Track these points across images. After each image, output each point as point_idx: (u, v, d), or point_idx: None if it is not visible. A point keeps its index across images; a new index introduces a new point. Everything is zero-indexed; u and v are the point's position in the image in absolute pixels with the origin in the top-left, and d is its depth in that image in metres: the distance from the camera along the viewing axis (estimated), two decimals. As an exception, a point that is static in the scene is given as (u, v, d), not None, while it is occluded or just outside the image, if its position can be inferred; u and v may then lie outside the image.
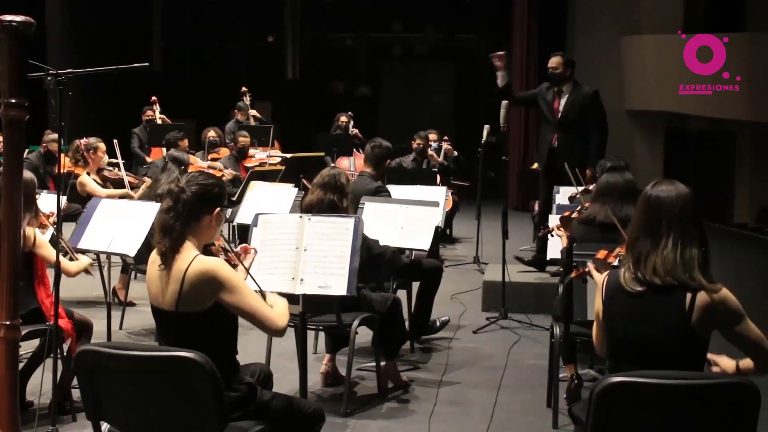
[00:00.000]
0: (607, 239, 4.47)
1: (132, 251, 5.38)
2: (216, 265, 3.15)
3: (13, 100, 2.88)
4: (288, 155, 10.60)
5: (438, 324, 6.25)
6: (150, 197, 6.49)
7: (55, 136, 8.35)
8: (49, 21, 13.27)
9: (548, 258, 6.44)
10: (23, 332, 3.55)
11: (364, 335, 5.48)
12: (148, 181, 7.78)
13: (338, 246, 4.36)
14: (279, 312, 3.27)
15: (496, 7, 16.05)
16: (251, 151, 10.52)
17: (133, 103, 12.44)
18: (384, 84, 18.60)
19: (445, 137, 11.13)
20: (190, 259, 3.13)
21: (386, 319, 5.04)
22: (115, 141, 8.30)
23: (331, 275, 4.30)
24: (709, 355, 3.03)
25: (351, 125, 12.05)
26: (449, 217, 10.06)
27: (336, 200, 4.95)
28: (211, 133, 10.59)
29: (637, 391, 2.63)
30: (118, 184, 8.14)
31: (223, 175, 9.17)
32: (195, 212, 3.20)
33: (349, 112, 12.35)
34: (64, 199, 5.52)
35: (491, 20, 17.23)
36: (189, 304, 3.13)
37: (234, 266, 3.36)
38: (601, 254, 3.58)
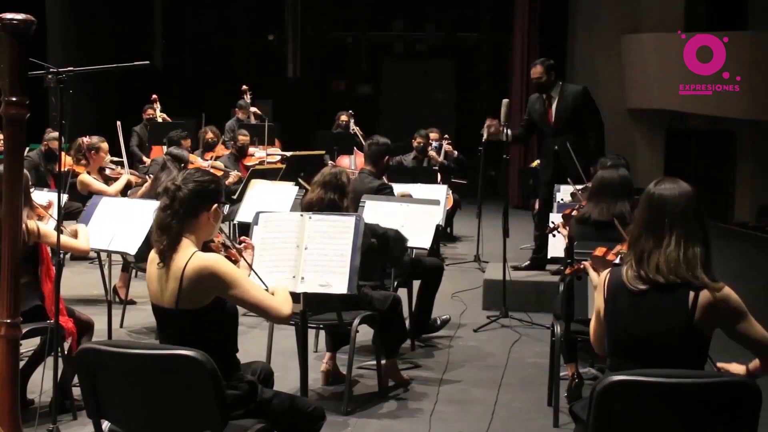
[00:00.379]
0: (602, 237, 4.47)
1: (133, 250, 5.38)
2: (214, 260, 3.16)
3: (14, 99, 2.87)
4: (288, 153, 10.59)
5: (439, 322, 6.25)
6: (151, 195, 6.49)
7: (56, 134, 8.35)
8: (49, 19, 13.26)
9: (549, 257, 6.43)
10: (24, 330, 3.55)
11: (364, 334, 5.48)
12: (149, 179, 7.77)
13: (339, 244, 4.36)
14: (281, 299, 3.29)
15: (497, 5, 16.05)
16: (251, 150, 10.51)
17: (134, 101, 12.43)
18: (385, 82, 18.59)
19: (446, 136, 11.13)
20: (189, 256, 3.14)
21: (387, 318, 5.05)
22: (118, 123, 8.27)
23: (331, 274, 4.30)
24: (719, 364, 3.03)
25: (352, 123, 12.05)
26: (450, 216, 10.06)
27: (336, 199, 4.94)
28: (209, 135, 10.59)
29: (638, 389, 2.63)
30: (120, 179, 8.15)
31: (226, 174, 9.17)
32: (192, 209, 3.21)
33: (350, 111, 12.34)
34: (65, 196, 5.52)
35: (492, 18, 17.22)
36: (189, 301, 3.13)
37: (235, 262, 3.36)
38: (600, 251, 3.58)
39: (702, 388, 2.64)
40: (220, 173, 9.12)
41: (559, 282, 5.44)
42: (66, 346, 4.50)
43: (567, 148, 7.13)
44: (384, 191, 6.12)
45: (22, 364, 4.12)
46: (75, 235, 4.73)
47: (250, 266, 3.41)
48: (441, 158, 10.56)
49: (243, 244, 3.59)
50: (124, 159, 8.21)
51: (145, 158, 10.92)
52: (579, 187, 6.54)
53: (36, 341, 4.67)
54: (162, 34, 17.01)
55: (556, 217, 5.92)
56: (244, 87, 12.40)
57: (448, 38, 18.28)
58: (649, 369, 2.71)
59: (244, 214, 7.05)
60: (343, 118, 12.13)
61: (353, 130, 11.87)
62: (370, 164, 6.24)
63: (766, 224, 12.03)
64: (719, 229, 11.45)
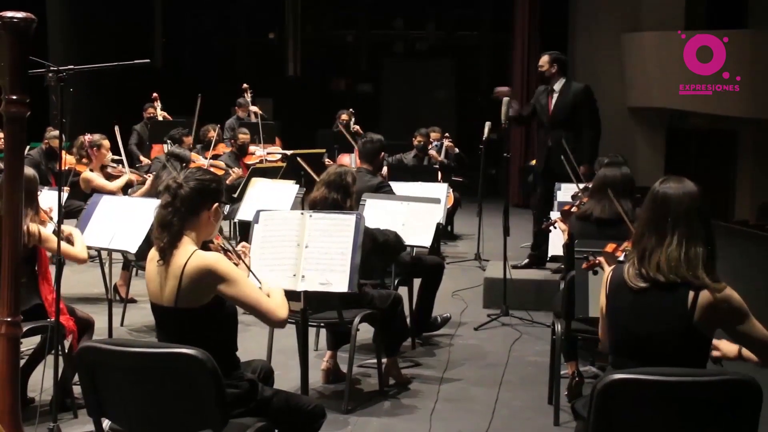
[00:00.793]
0: (604, 235, 4.48)
1: (133, 248, 5.37)
2: (215, 259, 3.16)
3: (14, 97, 2.88)
4: (288, 152, 10.59)
5: (439, 321, 6.25)
6: (152, 194, 6.49)
7: (57, 132, 8.36)
8: (50, 17, 13.27)
9: (549, 255, 6.43)
10: (24, 329, 3.55)
11: (365, 332, 5.48)
12: (150, 177, 7.77)
13: (339, 243, 4.35)
14: (278, 303, 3.29)
15: (498, 4, 16.05)
16: (251, 148, 10.51)
17: (134, 99, 12.43)
18: (385, 81, 18.60)
19: (446, 134, 11.12)
20: (189, 254, 3.14)
21: (387, 316, 5.05)
22: (116, 127, 8.28)
23: (332, 272, 4.30)
24: (714, 342, 3.02)
25: (352, 122, 12.04)
26: (450, 214, 10.05)
27: (339, 199, 4.95)
28: (212, 133, 10.59)
29: (639, 388, 2.63)
30: (122, 177, 8.15)
31: (226, 173, 9.17)
32: (193, 208, 3.21)
33: (351, 109, 12.34)
34: (65, 195, 5.52)
35: (493, 17, 17.23)
36: (188, 299, 3.13)
37: (235, 264, 3.36)
38: (610, 248, 3.59)
39: (702, 387, 2.63)
40: (221, 172, 9.13)
41: (560, 280, 5.44)
42: (66, 344, 4.50)
43: (559, 143, 7.14)
44: (383, 189, 6.13)
45: (22, 362, 4.12)
46: (69, 239, 4.71)
47: (249, 269, 3.41)
48: (441, 156, 10.56)
49: (241, 249, 3.58)
50: (123, 157, 8.20)
51: (142, 158, 10.89)
52: (580, 186, 6.55)
53: (36, 340, 4.67)
54: (162, 33, 17.02)
55: (555, 215, 5.92)
56: (245, 85, 12.40)
57: (449, 37, 18.30)
58: (649, 367, 2.71)
59: (244, 213, 7.05)
60: (344, 117, 12.12)
61: (337, 128, 11.80)
62: (367, 162, 6.26)
63: (767, 223, 12.03)
64: (720, 227, 11.43)
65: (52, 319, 4.18)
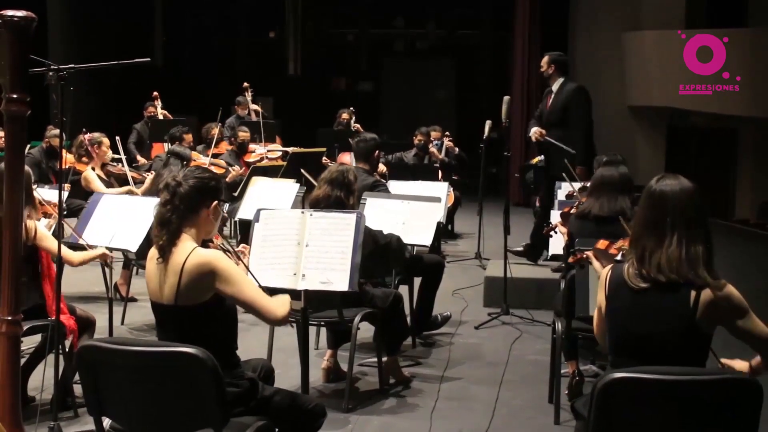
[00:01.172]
0: (603, 232, 4.48)
1: (134, 247, 5.38)
2: (214, 256, 3.16)
3: (15, 96, 2.88)
4: (289, 149, 10.58)
5: (439, 320, 6.25)
6: (153, 192, 6.49)
7: (57, 131, 8.35)
8: (50, 16, 13.27)
9: (550, 254, 6.44)
10: (25, 328, 3.55)
11: (365, 331, 5.48)
12: (151, 176, 7.76)
13: (340, 241, 4.35)
14: (278, 302, 3.29)
15: (498, 3, 16.05)
16: (252, 146, 10.51)
17: (134, 98, 12.43)
18: (385, 80, 18.60)
19: (447, 133, 11.12)
20: (188, 252, 3.14)
21: (388, 315, 5.04)
22: (117, 138, 8.29)
23: (332, 271, 4.30)
24: (723, 360, 3.03)
25: (353, 121, 12.05)
26: (451, 213, 10.06)
27: (342, 197, 4.95)
28: (215, 131, 10.58)
29: (639, 387, 2.63)
30: (123, 179, 8.13)
31: (226, 172, 9.17)
32: (192, 205, 3.22)
33: (351, 108, 12.34)
34: (65, 194, 5.52)
35: (493, 16, 17.23)
36: (188, 296, 3.13)
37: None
38: (602, 244, 3.59)
39: (703, 386, 2.63)
40: (221, 170, 9.13)
41: (560, 279, 5.44)
42: (67, 343, 4.50)
43: (552, 142, 7.19)
44: (378, 188, 6.13)
45: (23, 361, 4.12)
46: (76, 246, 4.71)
47: (248, 270, 3.41)
48: (442, 155, 10.56)
49: (240, 250, 3.58)
50: (122, 156, 8.20)
51: (140, 157, 10.86)
52: (577, 185, 6.56)
53: (37, 339, 4.67)
54: (163, 32, 17.02)
55: (556, 215, 5.93)
56: (245, 84, 12.41)
57: (449, 36, 18.31)
58: (649, 366, 2.70)
59: (245, 212, 7.05)
60: (345, 116, 12.13)
61: (338, 127, 11.81)
62: (363, 161, 6.25)
63: (767, 222, 12.03)
64: (720, 226, 11.44)
65: (53, 318, 4.18)
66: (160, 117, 11.53)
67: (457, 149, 10.94)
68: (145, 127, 11.45)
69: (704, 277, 2.83)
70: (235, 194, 8.16)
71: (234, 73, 15.99)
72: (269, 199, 6.96)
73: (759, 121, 12.13)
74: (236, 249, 3.55)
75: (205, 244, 3.29)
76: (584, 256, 3.71)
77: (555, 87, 7.63)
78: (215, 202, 3.28)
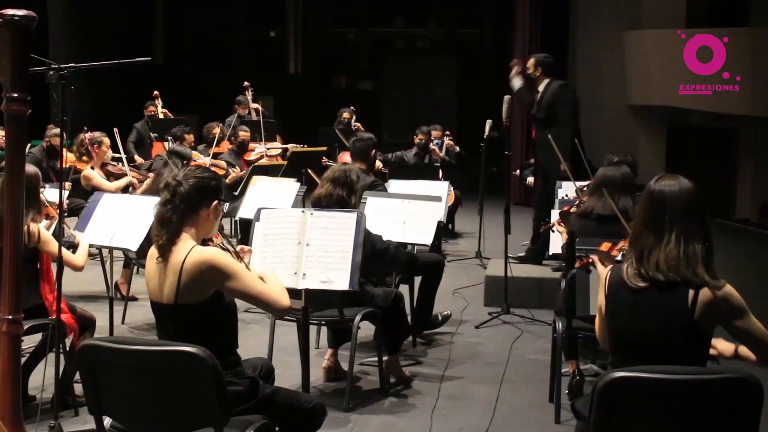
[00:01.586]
0: (604, 231, 4.48)
1: (134, 246, 5.38)
2: (214, 253, 3.16)
3: (15, 95, 2.88)
4: (289, 146, 10.57)
5: (440, 319, 6.26)
6: (153, 192, 6.48)
7: (58, 130, 8.35)
8: (51, 15, 13.26)
9: (550, 253, 6.44)
10: (26, 327, 3.55)
11: (366, 330, 5.48)
12: (151, 175, 7.76)
13: (340, 241, 4.35)
14: (279, 291, 3.31)
15: (499, 1, 16.04)
16: (252, 145, 10.50)
17: (135, 97, 12.42)
18: (386, 78, 18.60)
19: (447, 132, 11.12)
20: (188, 250, 3.15)
21: (388, 314, 5.04)
22: (115, 130, 8.28)
23: (333, 270, 4.30)
24: (713, 341, 3.02)
25: (353, 120, 12.04)
26: (451, 212, 10.06)
27: (344, 196, 4.95)
28: (217, 130, 10.58)
29: (640, 386, 2.63)
30: (122, 179, 8.13)
31: (227, 173, 9.16)
32: (192, 205, 3.22)
33: (352, 107, 12.33)
34: (66, 193, 5.51)
35: (494, 14, 17.22)
36: (188, 295, 3.13)
37: None
38: (605, 246, 3.58)
39: (703, 385, 2.63)
40: (221, 171, 9.13)
41: (561, 278, 5.44)
42: (68, 342, 4.50)
43: (542, 142, 7.36)
44: (376, 187, 6.14)
45: (23, 360, 4.12)
46: (73, 243, 4.71)
47: (248, 267, 3.41)
48: (442, 154, 10.55)
49: (240, 249, 3.58)
50: (122, 155, 8.20)
51: (137, 157, 10.83)
52: (582, 183, 6.55)
53: (37, 338, 4.67)
54: (163, 31, 17.01)
55: (556, 214, 5.93)
56: (246, 83, 12.40)
57: (450, 34, 18.29)
58: (650, 366, 2.70)
59: (245, 211, 7.04)
60: (345, 115, 12.12)
61: (339, 126, 11.80)
62: (360, 160, 6.26)
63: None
64: (720, 225, 11.44)
65: (53, 317, 4.18)
66: (161, 116, 11.53)
67: (457, 148, 10.93)
68: (146, 126, 11.45)
69: (703, 276, 2.83)
70: (236, 193, 8.16)
71: (234, 72, 15.99)
72: (270, 198, 6.95)
73: (759, 120, 12.13)
74: (237, 249, 3.54)
75: (204, 243, 3.30)
76: (590, 260, 3.70)
77: (541, 88, 7.74)
78: (215, 201, 3.29)
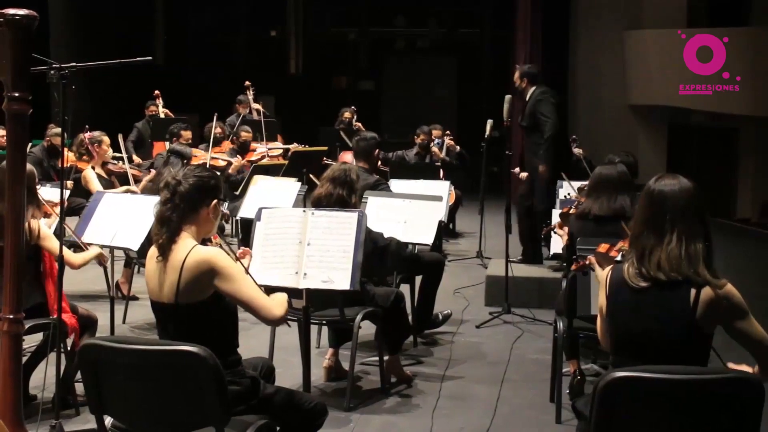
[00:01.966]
0: (603, 232, 4.48)
1: (135, 245, 5.37)
2: (214, 253, 3.17)
3: (17, 94, 2.88)
4: (290, 146, 10.57)
5: (441, 318, 6.25)
6: (153, 191, 6.48)
7: (59, 130, 8.35)
8: (52, 14, 13.26)
9: (551, 253, 6.44)
10: (27, 326, 3.55)
11: (367, 329, 5.48)
12: (151, 174, 7.76)
13: (341, 240, 4.35)
14: (276, 302, 3.28)
15: (499, 1, 16.03)
16: (253, 145, 10.51)
17: (136, 97, 12.43)
18: (387, 78, 18.60)
19: (447, 132, 11.12)
20: (188, 249, 3.15)
21: (389, 314, 5.04)
22: (120, 135, 8.29)
23: (334, 270, 4.30)
24: (730, 364, 3.02)
25: (355, 120, 12.04)
26: (452, 212, 10.06)
27: (345, 195, 4.95)
28: (218, 130, 10.59)
29: (641, 386, 2.62)
30: (123, 177, 8.13)
31: (229, 163, 9.17)
32: (192, 204, 3.22)
33: (353, 107, 12.33)
34: (67, 192, 5.51)
35: (494, 14, 17.21)
36: (188, 294, 3.13)
37: None
38: (603, 248, 3.58)
39: (704, 385, 2.63)
40: (222, 164, 9.16)
41: (562, 278, 5.44)
42: (69, 342, 4.51)
43: (528, 147, 7.79)
44: (380, 187, 6.13)
45: (24, 360, 4.12)
46: (76, 250, 4.71)
47: (247, 271, 3.42)
48: (443, 154, 10.55)
49: (240, 251, 3.59)
50: (124, 154, 8.20)
51: (135, 156, 10.82)
52: (577, 185, 6.57)
53: (38, 337, 4.67)
54: (164, 31, 17.01)
55: (556, 215, 5.93)
56: (247, 83, 12.41)
57: (450, 34, 18.29)
58: (651, 365, 2.70)
59: (246, 211, 7.05)
60: (346, 115, 12.12)
61: (339, 125, 11.81)
62: (363, 160, 6.25)
63: (768, 220, 12.04)
64: (721, 225, 11.44)
65: (54, 317, 4.18)
66: (162, 116, 11.53)
67: (458, 147, 10.93)
68: (147, 125, 11.45)
69: (704, 275, 2.83)
70: (237, 193, 8.16)
71: (235, 71, 15.99)
72: (271, 198, 6.96)
73: (759, 120, 12.13)
74: (236, 251, 3.54)
75: (204, 242, 3.30)
76: (587, 262, 3.70)
77: (527, 97, 7.89)
78: (215, 200, 3.29)
